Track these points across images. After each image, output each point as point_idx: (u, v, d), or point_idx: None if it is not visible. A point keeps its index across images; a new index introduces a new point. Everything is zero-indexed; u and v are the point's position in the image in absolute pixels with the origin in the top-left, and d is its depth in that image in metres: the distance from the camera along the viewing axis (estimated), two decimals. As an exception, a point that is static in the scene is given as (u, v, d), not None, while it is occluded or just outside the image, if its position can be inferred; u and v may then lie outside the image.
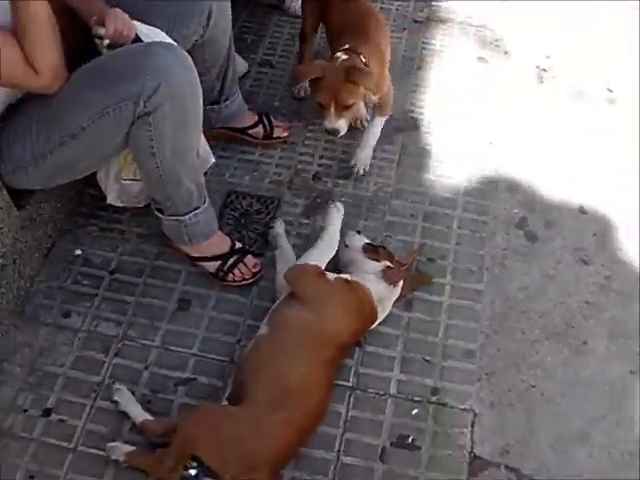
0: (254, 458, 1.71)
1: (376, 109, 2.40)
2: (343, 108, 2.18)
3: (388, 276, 2.01)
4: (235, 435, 1.71)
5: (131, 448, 1.81)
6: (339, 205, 2.17)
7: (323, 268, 1.99)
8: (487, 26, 3.05)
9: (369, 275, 2.00)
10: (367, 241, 2.12)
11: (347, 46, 2.22)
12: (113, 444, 1.82)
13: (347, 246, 2.11)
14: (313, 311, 1.88)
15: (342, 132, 2.24)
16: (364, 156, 2.45)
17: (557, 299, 2.17)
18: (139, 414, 1.88)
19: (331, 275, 1.98)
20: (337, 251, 2.09)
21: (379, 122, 2.41)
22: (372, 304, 1.97)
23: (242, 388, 1.80)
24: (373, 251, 2.07)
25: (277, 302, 1.98)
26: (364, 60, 2.19)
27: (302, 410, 1.78)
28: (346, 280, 1.97)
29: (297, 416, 1.77)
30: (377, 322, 2.03)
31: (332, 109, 2.18)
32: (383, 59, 2.34)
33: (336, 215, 2.13)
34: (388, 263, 2.04)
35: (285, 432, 1.75)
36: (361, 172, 2.46)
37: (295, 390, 1.77)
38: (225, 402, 1.82)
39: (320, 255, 2.03)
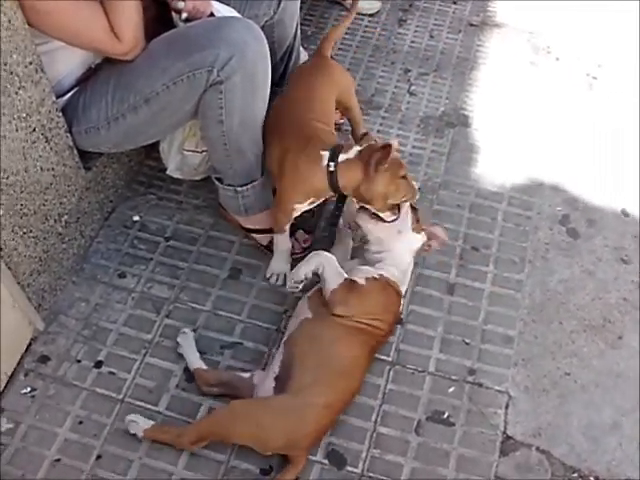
0: (294, 440, 1.76)
1: None
2: None
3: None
4: (275, 425, 1.75)
5: (149, 423, 1.85)
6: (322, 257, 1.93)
7: (344, 273, 1.92)
8: (540, 33, 3.12)
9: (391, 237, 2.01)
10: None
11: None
12: (132, 418, 1.86)
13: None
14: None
15: None
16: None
17: (595, 294, 2.21)
18: (195, 360, 1.96)
19: (360, 278, 1.94)
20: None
21: None
22: (398, 292, 1.99)
23: (289, 369, 1.83)
24: (415, 219, 2.03)
25: (311, 292, 1.99)
26: None
27: (342, 394, 1.84)
28: (374, 278, 1.95)
29: (337, 400, 1.82)
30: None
31: None
32: None
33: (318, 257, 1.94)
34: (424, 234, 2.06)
35: (325, 416, 1.80)
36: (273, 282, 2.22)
37: (337, 375, 1.82)
38: (273, 382, 1.85)
39: (335, 271, 1.91)
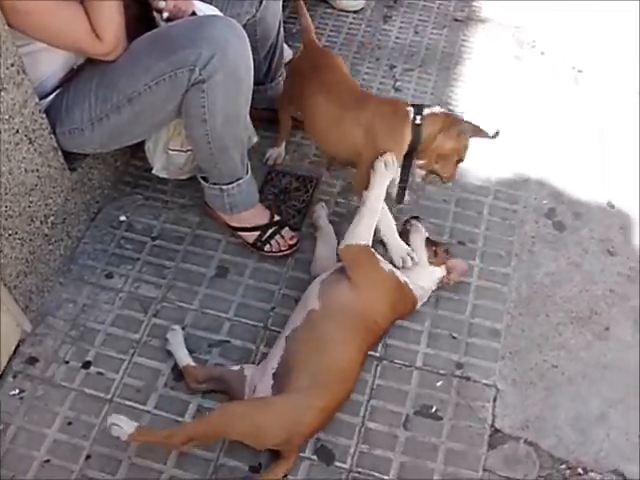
0: (290, 438, 1.75)
1: None
2: None
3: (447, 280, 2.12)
4: (272, 424, 1.74)
5: (133, 425, 1.74)
6: (390, 161, 2.01)
7: (371, 240, 1.98)
8: (525, 27, 3.14)
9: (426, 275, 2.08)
10: (427, 235, 2.14)
11: None
12: (114, 420, 1.75)
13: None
14: (361, 298, 1.92)
15: None
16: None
17: (582, 286, 2.22)
18: (184, 357, 1.96)
19: (386, 265, 1.99)
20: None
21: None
22: (415, 303, 2.05)
23: (288, 369, 1.82)
24: (433, 252, 2.10)
25: (326, 275, 2.00)
26: None
27: (339, 396, 1.84)
28: (399, 281, 1.99)
29: (334, 401, 1.82)
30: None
31: None
32: None
33: (383, 174, 2.00)
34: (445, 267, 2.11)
35: (321, 417, 1.80)
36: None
37: (336, 376, 1.82)
38: (271, 380, 1.84)
39: (367, 229, 1.98)
